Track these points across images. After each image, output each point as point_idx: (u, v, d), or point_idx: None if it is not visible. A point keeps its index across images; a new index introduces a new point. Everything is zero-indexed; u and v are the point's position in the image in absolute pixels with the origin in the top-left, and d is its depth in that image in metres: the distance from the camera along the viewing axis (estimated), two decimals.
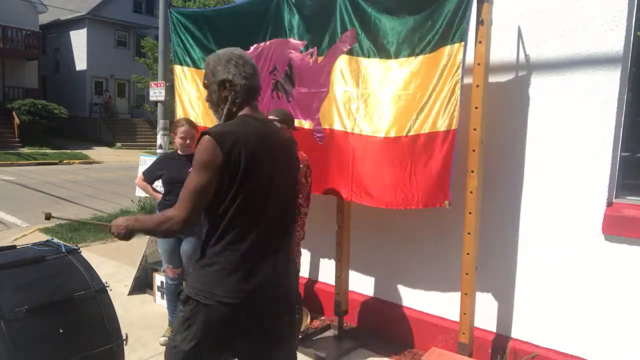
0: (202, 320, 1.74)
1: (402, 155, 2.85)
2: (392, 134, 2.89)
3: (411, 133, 2.81)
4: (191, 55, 4.12)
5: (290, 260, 1.97)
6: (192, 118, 4.10)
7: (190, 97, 4.16)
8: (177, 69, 4.22)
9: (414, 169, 2.81)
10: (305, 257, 4.12)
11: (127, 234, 1.83)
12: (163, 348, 3.42)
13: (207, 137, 1.71)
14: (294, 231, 2.01)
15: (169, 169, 3.44)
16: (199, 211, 1.76)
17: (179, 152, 3.47)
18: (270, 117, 2.97)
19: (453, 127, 2.65)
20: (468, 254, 2.76)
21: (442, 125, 2.68)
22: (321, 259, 4.15)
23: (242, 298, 1.73)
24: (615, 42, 2.62)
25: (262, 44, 3.68)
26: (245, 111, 1.85)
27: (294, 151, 2.02)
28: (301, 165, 2.90)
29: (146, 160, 4.83)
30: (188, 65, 4.15)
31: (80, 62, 26.11)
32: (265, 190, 1.78)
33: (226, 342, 1.81)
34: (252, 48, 3.74)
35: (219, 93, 1.86)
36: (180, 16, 4.15)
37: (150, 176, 3.57)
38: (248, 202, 1.74)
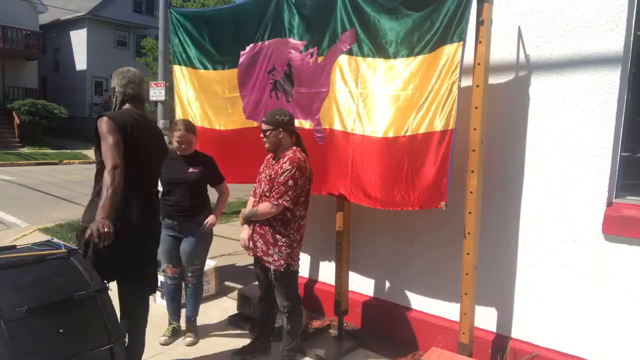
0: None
1: (399, 156, 2.85)
2: (391, 134, 2.89)
3: (409, 133, 2.80)
4: (189, 55, 4.12)
5: (155, 205, 2.82)
6: (190, 118, 4.10)
7: (189, 97, 4.16)
8: (177, 69, 4.23)
9: (410, 170, 2.81)
10: (305, 257, 4.12)
11: (109, 223, 2.27)
12: (163, 348, 3.42)
13: (104, 117, 2.52)
14: (157, 185, 2.90)
15: (167, 169, 3.40)
16: (122, 159, 2.44)
17: (177, 152, 3.45)
18: (263, 119, 2.98)
19: (450, 127, 2.64)
20: (468, 254, 2.76)
21: (438, 125, 2.68)
22: (321, 259, 4.15)
23: (124, 223, 2.44)
24: (615, 42, 2.62)
25: (260, 43, 3.68)
26: (126, 106, 2.74)
27: (160, 135, 2.89)
28: (289, 167, 2.83)
29: None
30: (186, 65, 4.16)
31: (80, 62, 26.10)
32: (143, 155, 2.62)
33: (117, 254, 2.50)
34: (248, 48, 3.74)
35: (112, 94, 2.81)
36: (180, 16, 4.15)
37: None
38: (134, 160, 2.53)
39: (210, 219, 3.47)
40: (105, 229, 2.23)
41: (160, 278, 4.13)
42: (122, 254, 2.55)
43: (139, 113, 2.74)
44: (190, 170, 3.42)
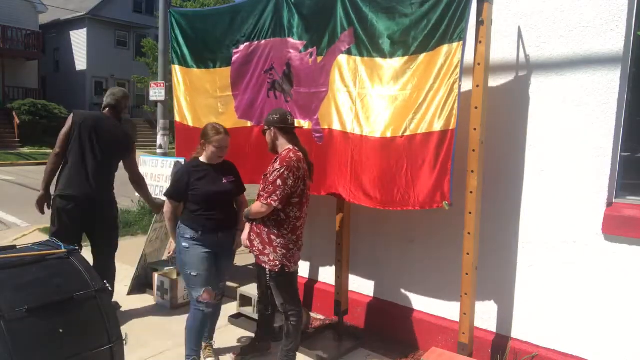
0: (57, 208, 3.55)
1: (398, 156, 2.85)
2: (389, 134, 2.88)
3: (407, 133, 2.80)
4: (184, 54, 4.13)
5: (105, 178, 3.65)
6: (186, 117, 4.10)
7: (184, 96, 4.17)
8: (174, 68, 4.24)
9: (410, 170, 2.81)
10: (305, 257, 4.12)
11: (41, 196, 3.64)
12: (163, 348, 3.42)
13: (71, 113, 3.65)
14: (110, 166, 3.67)
15: (201, 183, 3.02)
16: (63, 147, 3.55)
17: (204, 160, 3.08)
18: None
19: (451, 127, 2.64)
20: (468, 254, 2.76)
21: (438, 125, 2.68)
22: (321, 259, 4.15)
23: (73, 193, 3.50)
24: (615, 42, 2.62)
25: (256, 42, 3.67)
26: (105, 110, 3.76)
27: (120, 134, 3.72)
28: (278, 166, 2.81)
29: (146, 161, 4.82)
30: (181, 64, 4.16)
31: (80, 62, 26.12)
32: (89, 143, 3.54)
33: (71, 219, 3.53)
34: (242, 46, 3.73)
35: None
36: (179, 16, 4.16)
37: (179, 195, 3.07)
38: (78, 147, 3.53)
39: (243, 236, 3.10)
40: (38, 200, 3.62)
41: (161, 278, 4.14)
42: (78, 220, 3.56)
43: (107, 116, 3.74)
44: (225, 180, 3.10)
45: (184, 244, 3.02)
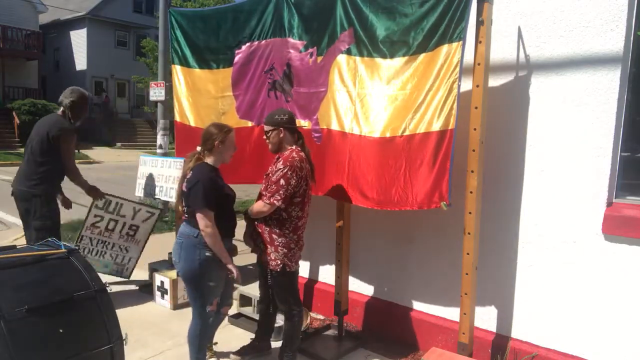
0: None
1: (396, 156, 2.84)
2: (388, 134, 2.88)
3: (406, 133, 2.80)
4: (185, 55, 4.12)
5: (33, 174, 3.82)
6: (187, 117, 4.10)
7: (185, 96, 4.17)
8: (174, 68, 4.23)
9: (408, 170, 2.81)
10: (305, 257, 4.12)
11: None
12: (163, 348, 3.42)
13: None
14: (35, 161, 3.81)
15: (227, 188, 2.88)
16: None
17: (212, 163, 2.83)
18: (264, 121, 3.06)
19: (450, 127, 2.63)
20: (468, 254, 2.76)
21: (438, 125, 2.68)
22: (321, 259, 4.15)
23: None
24: (615, 42, 2.62)
25: (257, 42, 3.67)
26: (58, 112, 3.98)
27: (45, 129, 3.77)
28: (281, 166, 2.82)
29: (146, 161, 4.80)
30: (182, 65, 4.16)
31: (80, 62, 26.12)
32: (28, 143, 3.88)
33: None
34: (244, 47, 3.73)
35: None
36: (178, 15, 4.16)
37: (214, 203, 2.74)
38: (26, 146, 3.95)
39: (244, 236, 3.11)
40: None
41: (161, 278, 4.13)
42: (22, 215, 4.00)
43: (50, 115, 4.02)
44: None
45: (207, 254, 2.72)
